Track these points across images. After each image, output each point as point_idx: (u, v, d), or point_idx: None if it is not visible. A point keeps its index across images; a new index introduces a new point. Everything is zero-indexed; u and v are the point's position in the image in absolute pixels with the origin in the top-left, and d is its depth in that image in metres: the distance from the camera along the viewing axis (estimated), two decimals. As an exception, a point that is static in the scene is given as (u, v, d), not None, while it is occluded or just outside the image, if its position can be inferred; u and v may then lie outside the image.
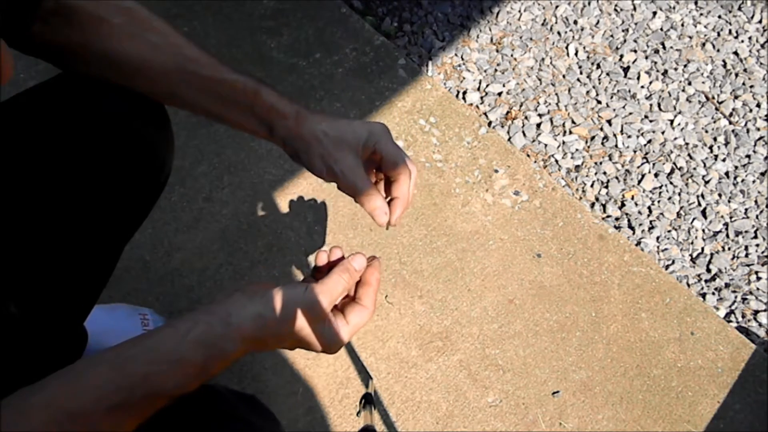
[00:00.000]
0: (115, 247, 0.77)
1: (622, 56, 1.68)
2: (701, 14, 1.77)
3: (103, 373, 0.48)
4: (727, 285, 1.37)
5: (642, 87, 1.63)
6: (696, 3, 1.79)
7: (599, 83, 1.63)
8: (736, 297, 1.36)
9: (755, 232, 1.44)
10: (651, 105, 1.61)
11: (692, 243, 1.43)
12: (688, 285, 1.37)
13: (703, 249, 1.42)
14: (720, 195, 1.49)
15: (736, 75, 1.67)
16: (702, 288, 1.37)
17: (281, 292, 0.53)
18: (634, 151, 1.54)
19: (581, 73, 1.65)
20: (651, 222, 1.44)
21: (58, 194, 0.65)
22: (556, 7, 1.75)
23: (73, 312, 0.79)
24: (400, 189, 0.65)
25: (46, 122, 0.64)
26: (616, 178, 1.50)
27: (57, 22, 0.57)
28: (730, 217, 1.46)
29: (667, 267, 1.39)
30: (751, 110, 1.62)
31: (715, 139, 1.57)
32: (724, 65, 1.69)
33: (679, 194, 1.48)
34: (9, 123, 0.64)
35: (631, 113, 1.59)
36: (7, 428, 0.44)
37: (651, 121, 1.58)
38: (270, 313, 0.52)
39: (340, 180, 0.63)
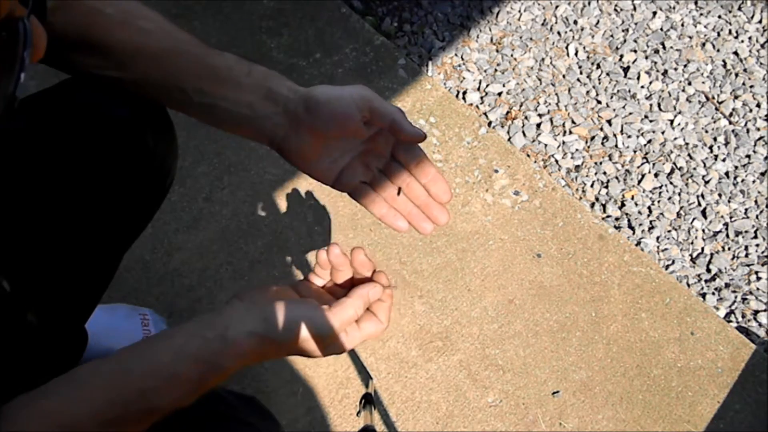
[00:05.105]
0: (118, 252, 0.78)
1: (622, 56, 1.68)
2: (701, 14, 1.77)
3: (99, 387, 0.48)
4: (727, 285, 1.37)
5: (642, 87, 1.63)
6: (696, 3, 1.79)
7: (599, 83, 1.63)
8: (736, 297, 1.36)
9: (755, 232, 1.44)
10: (651, 105, 1.61)
11: (692, 243, 1.43)
12: (688, 285, 1.37)
13: (703, 249, 1.42)
14: (720, 195, 1.49)
15: (736, 75, 1.67)
16: (702, 288, 1.37)
17: (287, 311, 0.51)
18: (634, 151, 1.54)
19: (581, 73, 1.65)
20: (651, 222, 1.44)
21: (62, 201, 0.65)
22: (556, 7, 1.75)
23: (75, 315, 0.80)
24: (426, 167, 0.60)
25: (51, 129, 0.64)
26: (616, 178, 1.50)
27: (56, 17, 0.58)
28: (730, 217, 1.46)
29: (667, 267, 1.39)
30: (751, 110, 1.61)
31: (715, 139, 1.57)
32: (724, 65, 1.69)
33: (679, 194, 1.48)
34: (12, 130, 0.64)
35: (631, 113, 1.59)
36: None
37: (651, 121, 1.58)
38: (272, 332, 0.51)
39: (384, 113, 0.56)
